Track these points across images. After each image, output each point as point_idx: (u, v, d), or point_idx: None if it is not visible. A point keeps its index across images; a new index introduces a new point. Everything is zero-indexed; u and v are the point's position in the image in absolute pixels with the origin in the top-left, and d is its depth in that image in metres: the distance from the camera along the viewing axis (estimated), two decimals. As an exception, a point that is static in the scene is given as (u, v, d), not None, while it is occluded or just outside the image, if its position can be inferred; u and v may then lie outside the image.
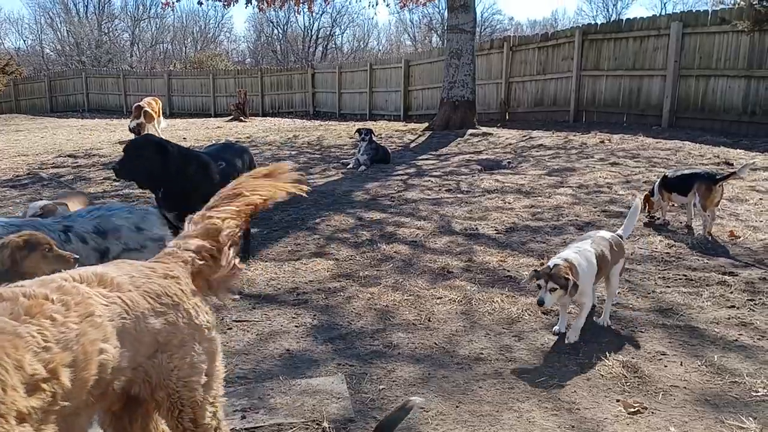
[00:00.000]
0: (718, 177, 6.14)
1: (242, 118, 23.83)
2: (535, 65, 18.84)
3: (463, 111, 16.12)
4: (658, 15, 16.00)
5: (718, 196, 6.16)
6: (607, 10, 62.06)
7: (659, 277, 5.06)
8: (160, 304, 2.06)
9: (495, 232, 6.56)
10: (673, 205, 6.90)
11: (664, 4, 61.27)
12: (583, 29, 17.39)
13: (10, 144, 16.62)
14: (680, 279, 5.02)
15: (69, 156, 13.37)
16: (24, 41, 63.03)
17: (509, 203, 7.77)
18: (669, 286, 4.86)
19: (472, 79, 16.22)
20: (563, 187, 8.60)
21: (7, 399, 1.47)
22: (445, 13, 19.73)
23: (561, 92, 17.94)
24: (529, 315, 4.36)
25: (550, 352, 3.81)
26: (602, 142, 12.40)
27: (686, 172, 6.56)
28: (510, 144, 13.22)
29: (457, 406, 3.21)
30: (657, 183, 6.66)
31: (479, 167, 10.56)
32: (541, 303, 3.79)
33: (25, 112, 33.12)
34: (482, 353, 3.81)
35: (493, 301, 4.60)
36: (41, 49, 60.89)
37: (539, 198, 7.98)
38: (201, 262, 2.30)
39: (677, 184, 6.40)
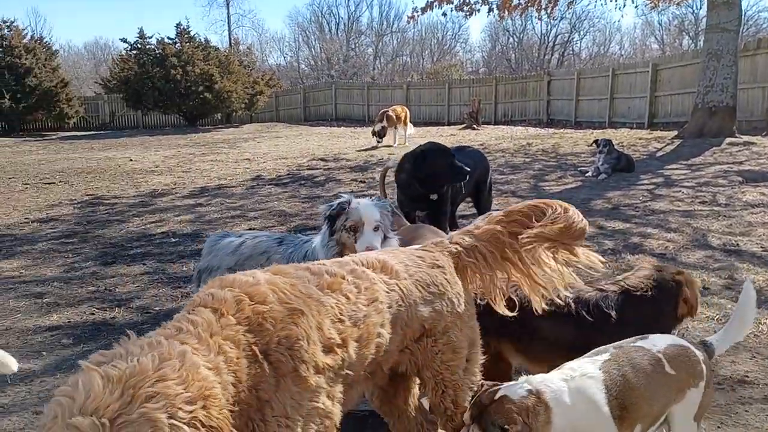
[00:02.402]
0: None
1: (475, 126, 24.18)
2: (814, 65, 16.33)
3: (721, 117, 14.54)
4: None
5: None
6: None
7: None
8: (429, 293, 2.19)
9: (761, 249, 5.81)
10: None
11: None
12: None
13: (272, 148, 18.77)
14: None
15: (320, 159, 14.71)
16: (284, 57, 70.75)
17: (780, 219, 6.83)
18: None
19: (733, 82, 14.56)
20: None
21: (309, 350, 1.69)
22: (700, 13, 17.94)
23: None
24: (810, 344, 3.78)
25: (840, 389, 3.26)
26: None
27: None
28: (778, 154, 11.64)
29: (718, 427, 2.92)
30: None
31: (740, 179, 9.44)
32: None
33: (284, 121, 37.15)
34: (747, 376, 3.43)
35: (759, 323, 4.09)
36: (298, 65, 67.97)
37: (819, 215, 6.90)
38: (469, 260, 2.38)
39: None
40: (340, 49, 63.01)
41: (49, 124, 32.36)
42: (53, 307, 4.99)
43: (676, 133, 15.73)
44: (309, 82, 54.14)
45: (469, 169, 5.43)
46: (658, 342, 2.28)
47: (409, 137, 18.47)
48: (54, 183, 12.04)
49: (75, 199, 10.12)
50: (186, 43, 31.54)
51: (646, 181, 9.87)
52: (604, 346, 2.29)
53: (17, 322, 4.66)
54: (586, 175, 10.60)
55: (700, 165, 11.17)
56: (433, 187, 5.49)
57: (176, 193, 10.50)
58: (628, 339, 2.34)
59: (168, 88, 29.97)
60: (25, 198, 10.40)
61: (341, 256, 2.80)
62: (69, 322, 4.68)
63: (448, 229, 6.04)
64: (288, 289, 1.78)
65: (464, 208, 7.15)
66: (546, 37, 60.05)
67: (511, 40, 61.93)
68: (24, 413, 3.33)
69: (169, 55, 30.29)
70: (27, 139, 26.65)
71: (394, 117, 17.73)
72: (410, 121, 18.72)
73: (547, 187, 9.83)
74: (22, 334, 4.42)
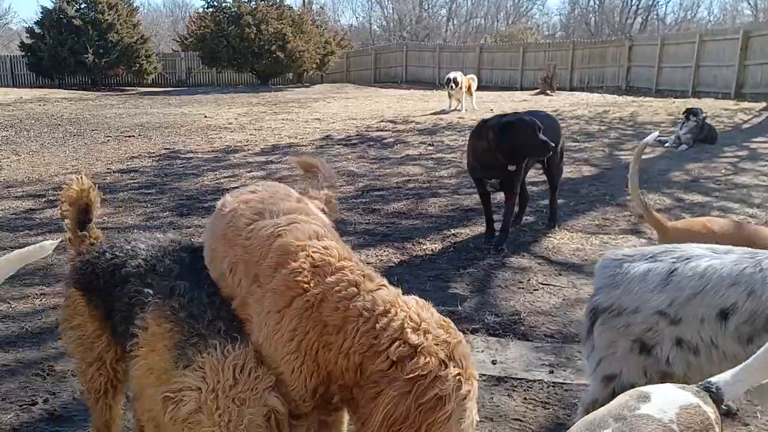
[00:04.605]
0: None
1: (548, 92, 23.53)
2: None
3: (816, 89, 13.64)
4: None
5: None
6: None
7: None
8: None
9: None
10: None
11: None
12: None
13: (341, 109, 18.85)
14: None
15: (389, 121, 14.68)
16: (356, 18, 70.51)
17: None
18: None
19: (833, 50, 13.59)
20: None
21: None
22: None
23: None
24: None
25: None
26: None
27: None
28: None
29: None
30: None
31: (834, 154, 8.88)
32: None
33: (354, 81, 37.16)
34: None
35: None
36: (369, 26, 67.49)
37: None
38: None
39: None
40: (412, 9, 62.08)
41: (129, 79, 33.46)
42: (133, 253, 5.24)
43: (765, 104, 14.88)
44: (380, 43, 53.71)
45: (553, 145, 5.27)
46: (666, 407, 1.54)
47: (478, 103, 18.20)
48: (133, 136, 12.52)
49: (153, 152, 10.51)
50: (261, 1, 31.80)
51: (729, 154, 9.41)
52: (599, 417, 1.52)
53: (101, 265, 4.93)
54: (666, 145, 10.19)
55: (791, 139, 10.57)
56: (515, 160, 5.39)
57: (248, 149, 10.73)
58: (622, 399, 1.59)
59: (242, 46, 30.40)
60: (107, 149, 10.87)
61: None
62: (148, 267, 4.91)
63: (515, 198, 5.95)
64: None
65: (533, 174, 7.02)
66: (629, 1, 57.33)
67: (591, 2, 59.48)
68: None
69: (244, 13, 30.65)
70: (108, 93, 27.72)
71: (461, 81, 17.40)
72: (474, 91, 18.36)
73: (623, 156, 9.51)
74: (105, 276, 4.67)
